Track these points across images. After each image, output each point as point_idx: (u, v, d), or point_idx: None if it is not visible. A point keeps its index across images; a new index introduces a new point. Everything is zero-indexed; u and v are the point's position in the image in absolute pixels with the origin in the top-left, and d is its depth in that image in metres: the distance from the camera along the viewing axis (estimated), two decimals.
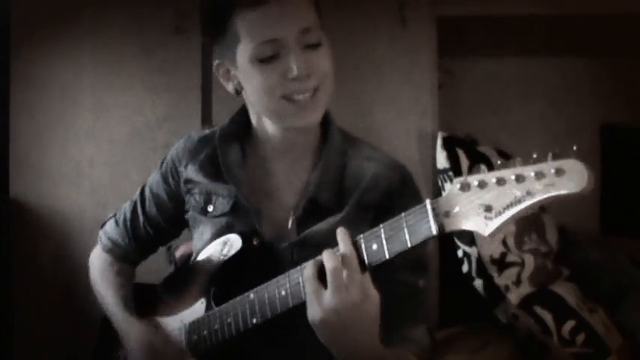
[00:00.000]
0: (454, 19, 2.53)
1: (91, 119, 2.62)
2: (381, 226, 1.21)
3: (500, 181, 1.07)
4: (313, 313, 1.22)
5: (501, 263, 2.30)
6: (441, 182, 2.42)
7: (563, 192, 1.03)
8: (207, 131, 1.61)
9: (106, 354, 1.67)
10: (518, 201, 1.06)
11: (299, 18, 1.37)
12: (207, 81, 2.58)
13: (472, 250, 2.32)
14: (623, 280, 2.42)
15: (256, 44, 1.36)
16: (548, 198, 1.04)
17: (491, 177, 1.08)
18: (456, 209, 1.12)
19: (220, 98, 2.54)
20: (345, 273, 1.20)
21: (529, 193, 1.05)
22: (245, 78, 1.43)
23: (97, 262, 1.72)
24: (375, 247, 1.21)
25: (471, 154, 2.43)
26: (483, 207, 1.09)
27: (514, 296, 2.29)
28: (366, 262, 1.22)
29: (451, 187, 1.13)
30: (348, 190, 1.45)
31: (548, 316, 2.24)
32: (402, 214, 1.19)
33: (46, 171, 2.64)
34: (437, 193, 2.46)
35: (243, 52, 1.39)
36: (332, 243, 1.35)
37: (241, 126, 1.55)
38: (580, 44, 2.71)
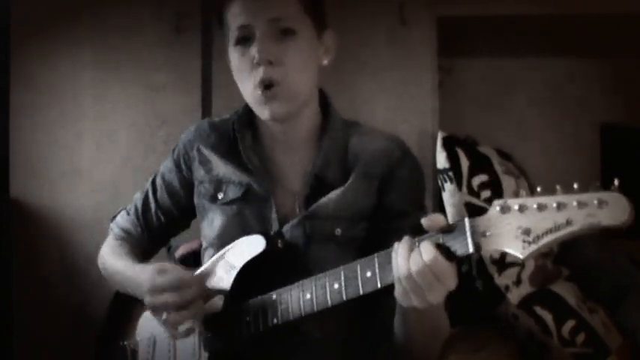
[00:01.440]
0: (454, 19, 2.53)
1: (91, 119, 2.62)
2: (417, 238, 1.22)
3: (541, 207, 1.09)
4: (418, 302, 1.22)
5: (501, 263, 2.30)
6: (441, 182, 2.42)
7: (604, 224, 1.05)
8: (216, 119, 1.65)
9: (112, 344, 1.66)
10: (557, 228, 1.08)
11: (269, 8, 1.45)
12: (207, 81, 2.58)
13: None
14: (623, 280, 2.42)
15: (234, 28, 1.47)
16: (588, 228, 1.06)
17: (532, 202, 1.10)
18: (494, 230, 1.14)
19: (221, 97, 2.54)
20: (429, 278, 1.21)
21: (569, 222, 1.07)
22: (231, 63, 1.51)
23: (107, 249, 1.72)
24: None
25: (471, 154, 2.43)
26: (521, 230, 1.10)
27: (514, 296, 2.29)
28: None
29: (490, 209, 1.14)
30: (351, 165, 1.50)
31: (548, 316, 2.24)
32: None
33: (46, 171, 2.64)
34: (437, 193, 2.46)
35: (229, 38, 1.49)
36: (340, 213, 1.44)
37: (250, 115, 1.58)
38: (580, 44, 2.71)
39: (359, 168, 1.48)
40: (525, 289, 2.30)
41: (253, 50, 1.44)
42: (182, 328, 1.45)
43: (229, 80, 1.55)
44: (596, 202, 1.05)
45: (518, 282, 2.30)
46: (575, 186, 1.08)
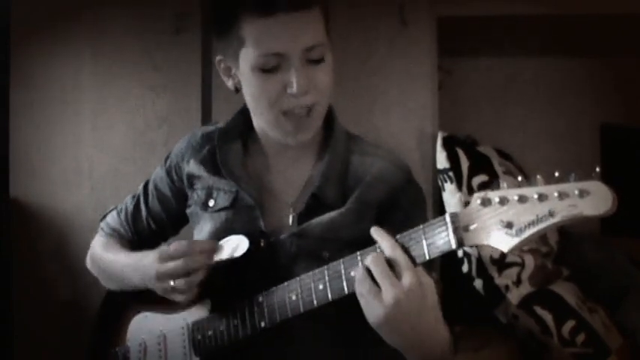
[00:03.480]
0: (454, 19, 2.53)
1: (91, 119, 2.62)
2: (398, 236, 1.20)
3: (522, 199, 1.06)
4: (374, 312, 1.17)
5: (501, 263, 2.30)
6: (441, 182, 2.42)
7: (585, 214, 1.02)
8: (211, 128, 1.62)
9: (103, 351, 1.66)
10: (540, 220, 1.05)
11: (306, 35, 1.37)
12: (207, 81, 2.58)
13: (472, 250, 2.32)
14: (623, 280, 2.42)
15: (260, 54, 1.37)
16: (570, 219, 1.03)
17: (513, 194, 1.07)
18: (476, 224, 1.11)
19: (220, 98, 2.54)
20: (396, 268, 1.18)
21: (551, 213, 1.04)
22: (245, 83, 1.44)
23: (98, 245, 1.72)
24: None
25: (471, 154, 2.43)
26: (504, 223, 1.08)
27: (514, 296, 2.29)
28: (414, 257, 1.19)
29: (472, 202, 1.11)
30: (350, 187, 1.45)
31: (548, 316, 2.24)
32: (421, 225, 1.18)
33: (46, 171, 2.64)
34: (437, 193, 2.46)
35: (246, 57, 1.39)
36: (331, 237, 1.39)
37: (243, 124, 1.56)
38: (580, 44, 2.71)
39: (358, 192, 1.44)
40: (525, 289, 2.30)
41: (285, 78, 1.36)
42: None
43: None
44: (577, 192, 1.02)
45: (518, 282, 2.30)
46: (557, 174, 1.05)
